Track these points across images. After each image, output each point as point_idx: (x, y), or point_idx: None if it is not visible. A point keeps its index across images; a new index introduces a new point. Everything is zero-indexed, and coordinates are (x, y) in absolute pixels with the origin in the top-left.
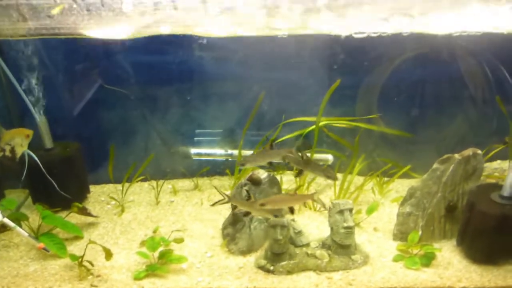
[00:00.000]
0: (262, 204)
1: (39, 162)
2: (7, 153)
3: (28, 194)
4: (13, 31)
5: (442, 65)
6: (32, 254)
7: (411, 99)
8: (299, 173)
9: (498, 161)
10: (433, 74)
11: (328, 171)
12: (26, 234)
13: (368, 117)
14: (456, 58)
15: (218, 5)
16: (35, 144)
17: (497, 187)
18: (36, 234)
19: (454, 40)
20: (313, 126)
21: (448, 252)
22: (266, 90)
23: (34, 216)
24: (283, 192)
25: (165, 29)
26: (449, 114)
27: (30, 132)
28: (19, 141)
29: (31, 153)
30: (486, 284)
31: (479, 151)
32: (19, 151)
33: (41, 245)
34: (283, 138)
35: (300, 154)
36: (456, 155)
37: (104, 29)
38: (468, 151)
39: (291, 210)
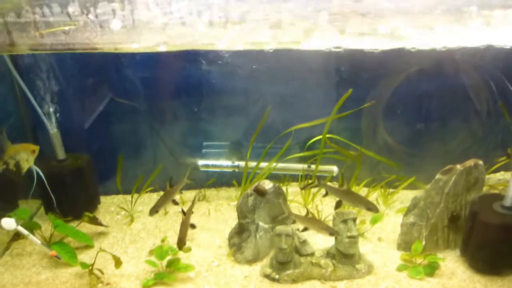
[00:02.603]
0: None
1: (44, 179)
2: (11, 167)
3: (40, 204)
4: (30, 47)
5: (446, 79)
6: (44, 262)
7: (416, 112)
8: (338, 205)
9: (502, 172)
10: (437, 88)
11: (369, 203)
12: (39, 242)
13: (364, 106)
14: (459, 72)
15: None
16: (48, 155)
17: (499, 197)
18: (48, 243)
19: (457, 54)
20: (319, 136)
21: (452, 262)
22: (272, 103)
23: (46, 225)
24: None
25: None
26: (454, 127)
27: (36, 147)
28: (24, 156)
29: (37, 169)
30: None
31: (481, 162)
32: (24, 166)
33: (53, 252)
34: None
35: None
36: (458, 166)
37: (116, 44)
38: (470, 162)
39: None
